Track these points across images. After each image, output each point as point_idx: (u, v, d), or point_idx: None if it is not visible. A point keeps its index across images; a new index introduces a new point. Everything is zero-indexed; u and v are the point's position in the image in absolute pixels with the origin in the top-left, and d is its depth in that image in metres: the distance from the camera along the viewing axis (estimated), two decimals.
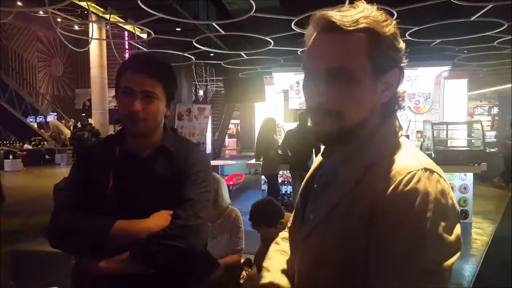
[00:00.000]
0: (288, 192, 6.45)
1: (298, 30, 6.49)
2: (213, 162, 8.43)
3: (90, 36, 9.49)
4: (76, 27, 9.30)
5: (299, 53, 8.67)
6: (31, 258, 2.55)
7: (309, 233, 0.81)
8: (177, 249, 1.12)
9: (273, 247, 1.03)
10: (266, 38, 7.53)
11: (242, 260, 2.81)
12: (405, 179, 0.68)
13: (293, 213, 0.97)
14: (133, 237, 1.12)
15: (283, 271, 0.93)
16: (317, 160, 0.95)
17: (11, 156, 12.89)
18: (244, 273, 2.71)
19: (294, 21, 6.19)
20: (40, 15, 7.92)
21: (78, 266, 1.22)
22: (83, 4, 7.52)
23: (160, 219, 1.16)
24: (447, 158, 4.94)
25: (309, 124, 0.89)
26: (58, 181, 2.84)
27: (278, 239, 1.06)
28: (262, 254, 2.68)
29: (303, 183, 0.96)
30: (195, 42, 7.97)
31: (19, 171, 12.48)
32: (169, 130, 1.34)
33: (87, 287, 1.22)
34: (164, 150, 1.27)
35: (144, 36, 9.48)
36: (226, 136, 19.40)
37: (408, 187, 0.67)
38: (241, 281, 2.61)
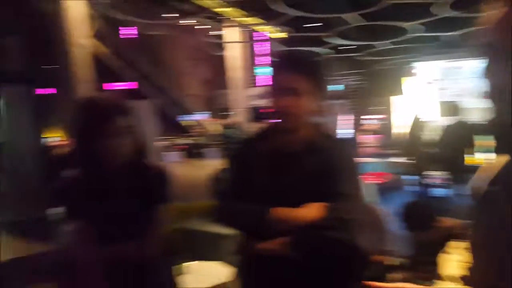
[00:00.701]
0: (442, 195, 5.81)
1: (448, 14, 5.79)
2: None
3: (229, 40, 10.31)
4: (217, 32, 10.22)
5: (444, 39, 7.70)
6: (199, 236, 2.94)
7: (487, 240, 0.72)
8: (335, 240, 1.16)
9: (447, 257, 0.96)
10: (405, 26, 6.92)
11: (387, 262, 2.69)
12: None
13: (468, 218, 0.87)
14: (289, 224, 1.18)
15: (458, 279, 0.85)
16: (492, 158, 0.82)
17: (170, 150, 15.15)
18: (390, 275, 2.59)
19: (450, 3, 5.51)
20: (187, 23, 9.04)
21: (242, 246, 1.35)
22: (223, 10, 8.19)
23: (313, 210, 1.19)
24: None
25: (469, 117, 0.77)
26: (210, 172, 3.19)
27: (451, 250, 0.98)
28: (412, 258, 2.51)
29: (473, 185, 0.84)
30: (330, 36, 7.89)
31: (177, 162, 14.56)
32: (317, 126, 1.36)
33: (249, 264, 1.34)
34: (313, 146, 1.29)
35: (281, 35, 9.81)
36: (365, 133, 18.67)
37: None
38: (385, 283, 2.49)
